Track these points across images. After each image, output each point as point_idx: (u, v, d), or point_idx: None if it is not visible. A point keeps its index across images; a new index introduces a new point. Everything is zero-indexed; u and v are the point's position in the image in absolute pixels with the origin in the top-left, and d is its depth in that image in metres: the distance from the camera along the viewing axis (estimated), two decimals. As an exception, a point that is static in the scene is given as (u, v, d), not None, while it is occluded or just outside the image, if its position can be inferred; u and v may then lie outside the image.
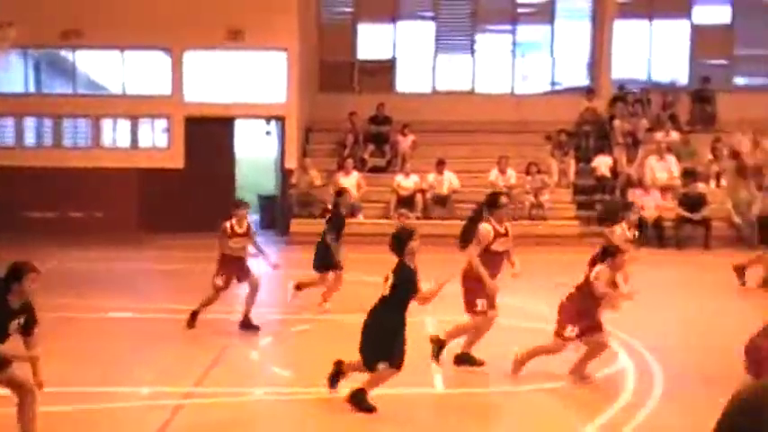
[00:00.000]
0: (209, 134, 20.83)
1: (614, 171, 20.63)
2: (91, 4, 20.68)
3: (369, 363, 7.33)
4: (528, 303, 11.35)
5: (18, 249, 12.27)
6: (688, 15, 23.18)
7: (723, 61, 23.35)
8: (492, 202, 8.97)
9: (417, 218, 19.23)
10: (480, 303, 8.70)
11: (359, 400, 7.40)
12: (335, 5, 23.80)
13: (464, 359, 8.93)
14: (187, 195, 20.47)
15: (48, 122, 21.56)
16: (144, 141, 21.47)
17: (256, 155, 24.91)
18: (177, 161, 21.01)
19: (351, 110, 21.58)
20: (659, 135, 20.99)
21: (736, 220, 18.85)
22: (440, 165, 20.09)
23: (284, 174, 21.22)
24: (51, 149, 21.28)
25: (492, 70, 23.46)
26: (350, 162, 20.31)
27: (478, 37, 23.51)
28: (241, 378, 8.67)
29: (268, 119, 22.20)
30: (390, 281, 7.27)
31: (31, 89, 21.92)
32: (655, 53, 23.43)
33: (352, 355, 7.48)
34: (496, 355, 8.94)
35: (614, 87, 22.66)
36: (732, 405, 2.35)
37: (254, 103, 21.11)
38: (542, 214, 19.52)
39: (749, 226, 18.50)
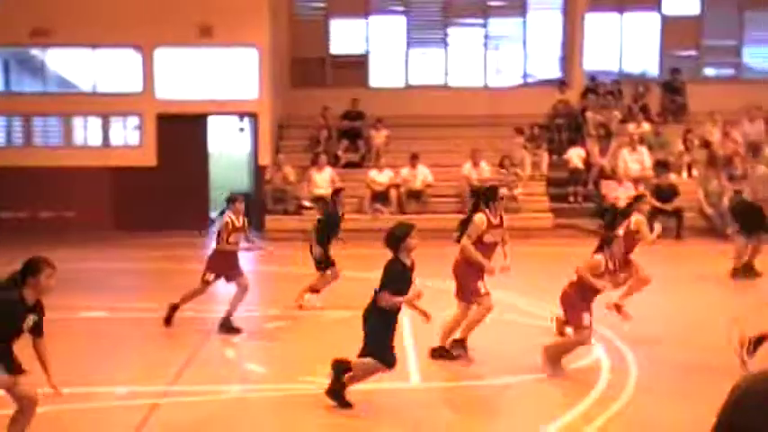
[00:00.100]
0: (181, 132, 20.72)
1: (587, 163, 20.75)
2: (61, 2, 20.52)
3: (362, 355, 7.32)
4: (501, 296, 11.39)
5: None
6: (658, 7, 23.35)
7: (693, 52, 23.56)
8: (491, 195, 9.08)
9: (392, 213, 19.24)
10: (482, 286, 8.84)
11: (337, 395, 7.39)
12: (307, 1, 23.74)
13: (441, 353, 8.98)
14: (160, 193, 20.38)
15: (18, 121, 21.37)
16: (116, 140, 21.35)
17: (230, 152, 24.84)
18: (150, 159, 20.89)
19: (324, 105, 21.56)
20: (631, 126, 21.14)
21: (708, 210, 19.01)
22: (413, 159, 20.12)
23: (258, 170, 21.17)
24: (22, 149, 21.11)
25: (465, 64, 23.52)
26: (323, 158, 20.29)
27: (451, 31, 23.56)
28: (217, 376, 8.65)
29: (241, 115, 22.13)
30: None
31: (1, 88, 21.73)
32: (626, 45, 23.59)
33: (327, 350, 7.48)
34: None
35: (586, 79, 22.79)
36: (734, 398, 2.18)
37: (226, 100, 21.04)
38: (516, 207, 19.58)
39: (720, 216, 18.72)
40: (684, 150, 20.51)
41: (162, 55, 20.96)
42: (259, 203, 20.60)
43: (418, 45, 23.52)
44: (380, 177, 20.07)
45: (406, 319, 10.02)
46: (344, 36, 23.63)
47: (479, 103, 22.31)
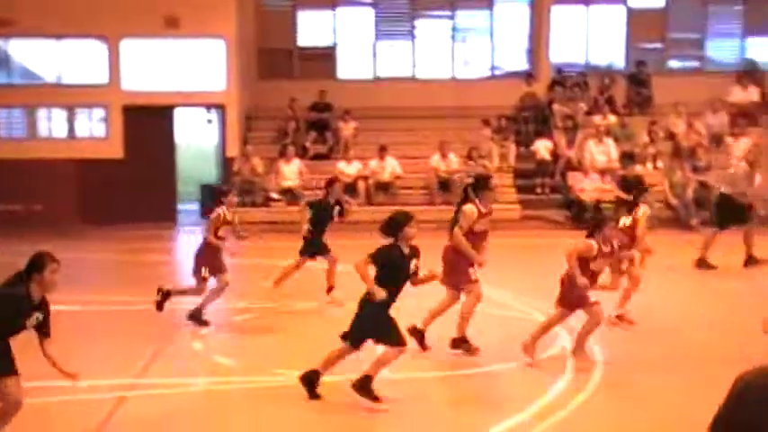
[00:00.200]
0: (148, 123, 20.58)
1: (554, 154, 20.90)
2: (24, -8, 20.28)
3: (355, 341, 7.29)
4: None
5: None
6: (624, 0, 23.53)
7: (658, 45, 23.78)
8: (483, 185, 9.05)
9: (360, 204, 19.20)
10: (472, 271, 8.81)
11: (365, 389, 7.25)
12: (275, -8, 23.66)
13: (416, 333, 8.95)
14: (127, 186, 20.21)
15: (-19, 114, 21.12)
16: (81, 131, 21.15)
17: (197, 143, 24.71)
18: (116, 151, 20.73)
19: (291, 97, 21.50)
20: (597, 118, 21.30)
21: (673, 201, 19.23)
22: (382, 151, 20.14)
23: (226, 162, 21.09)
24: (-15, 141, 20.86)
25: (432, 56, 23.56)
26: (291, 149, 20.26)
27: (418, 23, 23.59)
28: (184, 368, 8.64)
29: (208, 107, 22.02)
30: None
31: (-36, 80, 21.46)
32: (592, 37, 23.74)
33: (296, 342, 7.48)
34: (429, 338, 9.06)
35: (553, 72, 22.92)
36: (736, 392, 2.15)
37: (193, 92, 20.92)
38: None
39: (685, 207, 18.94)
40: (649, 142, 20.72)
41: (128, 46, 20.78)
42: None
43: (386, 37, 23.51)
44: (349, 169, 20.07)
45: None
46: (312, 27, 23.56)
47: (447, 95, 22.36)
